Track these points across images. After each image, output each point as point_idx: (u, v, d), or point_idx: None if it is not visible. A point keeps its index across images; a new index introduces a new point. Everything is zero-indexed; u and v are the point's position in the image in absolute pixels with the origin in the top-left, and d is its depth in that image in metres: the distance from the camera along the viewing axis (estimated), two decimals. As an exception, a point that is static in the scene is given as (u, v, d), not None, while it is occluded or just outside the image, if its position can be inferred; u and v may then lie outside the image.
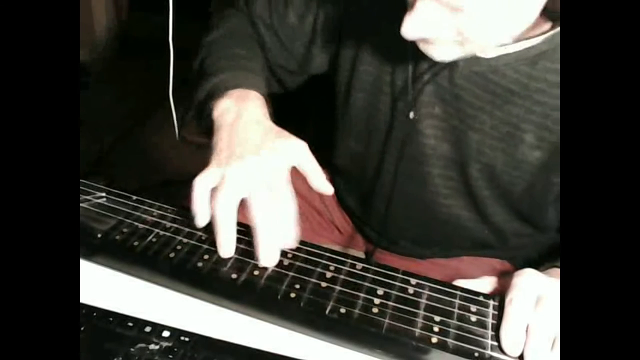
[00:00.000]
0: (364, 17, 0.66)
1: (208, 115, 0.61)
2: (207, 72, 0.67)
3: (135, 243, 0.54)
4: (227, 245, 0.52)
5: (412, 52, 0.56)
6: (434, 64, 0.58)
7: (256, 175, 0.52)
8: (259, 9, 0.74)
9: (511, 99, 0.58)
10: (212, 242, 0.54)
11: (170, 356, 0.45)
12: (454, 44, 0.52)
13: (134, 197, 0.60)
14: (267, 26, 0.73)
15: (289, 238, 0.53)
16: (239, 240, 0.54)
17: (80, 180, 0.60)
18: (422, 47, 0.54)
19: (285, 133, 0.57)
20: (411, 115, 0.63)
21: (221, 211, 0.51)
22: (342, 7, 0.68)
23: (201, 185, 0.52)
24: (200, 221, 0.53)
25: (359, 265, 0.53)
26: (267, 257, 0.51)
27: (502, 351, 0.46)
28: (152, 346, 0.45)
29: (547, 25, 0.55)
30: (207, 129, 0.61)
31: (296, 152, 0.55)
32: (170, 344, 0.46)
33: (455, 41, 0.51)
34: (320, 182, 0.56)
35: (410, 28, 0.50)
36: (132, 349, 0.45)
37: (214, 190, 0.52)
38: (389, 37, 0.56)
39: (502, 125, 0.60)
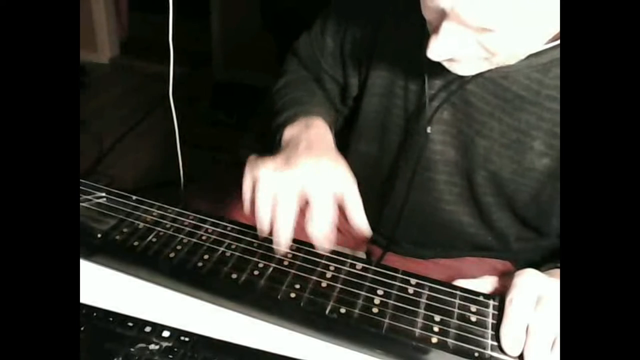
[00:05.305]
0: (382, 32, 0.66)
1: (279, 140, 0.64)
2: (275, 112, 0.71)
3: (135, 243, 0.54)
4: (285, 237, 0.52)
5: (426, 61, 0.54)
6: (449, 75, 0.57)
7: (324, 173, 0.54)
8: (302, 49, 0.77)
9: (521, 106, 0.58)
10: (213, 241, 0.54)
11: (170, 356, 0.45)
12: (480, 60, 0.51)
13: (134, 197, 0.60)
14: (312, 62, 0.76)
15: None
16: (239, 240, 0.55)
17: (80, 180, 0.60)
18: (447, 64, 0.53)
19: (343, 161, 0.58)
20: (429, 129, 0.63)
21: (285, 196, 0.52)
22: (363, 24, 0.68)
23: (267, 174, 0.53)
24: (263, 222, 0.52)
25: (359, 265, 0.53)
26: (322, 233, 0.52)
27: (502, 351, 0.46)
28: (152, 346, 0.45)
29: None
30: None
31: (345, 182, 0.55)
32: (170, 344, 0.46)
33: (482, 57, 0.50)
34: (361, 220, 0.55)
35: (437, 51, 0.49)
36: (132, 349, 0.45)
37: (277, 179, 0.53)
38: (404, 43, 0.55)
39: (511, 132, 0.60)
